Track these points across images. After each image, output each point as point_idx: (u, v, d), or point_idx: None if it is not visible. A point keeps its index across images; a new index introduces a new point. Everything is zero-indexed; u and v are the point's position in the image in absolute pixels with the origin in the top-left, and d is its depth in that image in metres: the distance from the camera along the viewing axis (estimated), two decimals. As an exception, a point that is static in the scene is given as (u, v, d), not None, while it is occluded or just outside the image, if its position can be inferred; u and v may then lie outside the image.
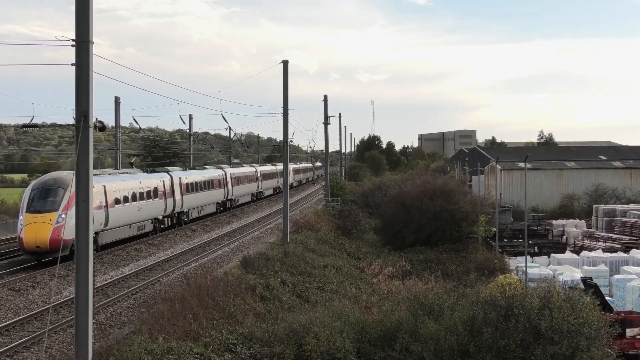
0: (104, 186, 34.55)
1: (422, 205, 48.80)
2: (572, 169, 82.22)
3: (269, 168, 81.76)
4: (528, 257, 34.76)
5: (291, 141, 73.13)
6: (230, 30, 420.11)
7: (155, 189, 42.32)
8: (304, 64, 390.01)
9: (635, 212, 59.01)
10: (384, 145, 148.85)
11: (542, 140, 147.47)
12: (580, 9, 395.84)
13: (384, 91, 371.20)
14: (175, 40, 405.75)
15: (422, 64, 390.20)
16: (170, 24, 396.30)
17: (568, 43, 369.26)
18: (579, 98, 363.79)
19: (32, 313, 22.15)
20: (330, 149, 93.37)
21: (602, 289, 28.40)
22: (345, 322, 19.90)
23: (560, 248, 49.90)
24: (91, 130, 14.31)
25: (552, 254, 44.77)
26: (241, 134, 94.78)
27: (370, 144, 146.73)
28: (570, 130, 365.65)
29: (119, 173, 40.43)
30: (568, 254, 45.07)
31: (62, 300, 23.98)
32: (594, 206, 66.81)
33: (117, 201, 36.06)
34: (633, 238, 53.50)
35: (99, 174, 36.18)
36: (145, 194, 40.29)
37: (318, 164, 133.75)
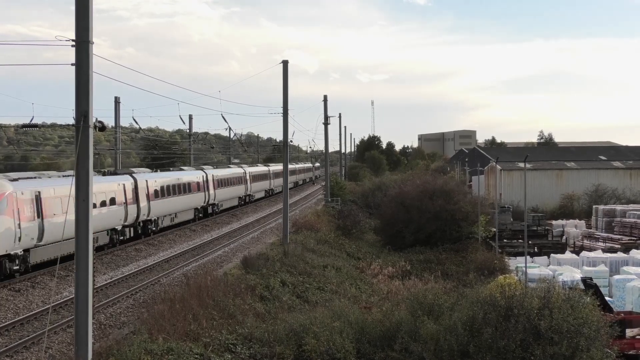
0: (38, 192, 28.68)
1: (422, 205, 48.79)
2: (572, 169, 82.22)
3: (259, 169, 76.14)
4: (528, 257, 34.71)
5: (291, 141, 72.11)
6: (230, 30, 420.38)
7: (114, 195, 36.28)
8: (304, 64, 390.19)
9: (635, 212, 58.99)
10: (384, 146, 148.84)
11: (542, 141, 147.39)
12: (580, 9, 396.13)
13: (384, 91, 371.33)
14: (175, 40, 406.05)
15: (422, 64, 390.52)
16: (170, 24, 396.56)
17: (568, 43, 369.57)
18: (579, 98, 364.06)
19: (31, 313, 22.17)
20: (330, 149, 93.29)
21: (601, 289, 28.36)
22: (345, 322, 19.90)
23: (560, 248, 49.85)
24: (91, 131, 14.32)
25: (552, 254, 44.74)
26: (241, 134, 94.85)
27: (370, 144, 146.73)
28: (570, 130, 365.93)
29: (63, 176, 32.67)
30: (568, 254, 45.04)
31: (61, 301, 24.00)
32: (594, 206, 66.78)
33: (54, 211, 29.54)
34: (633, 238, 53.47)
35: (34, 177, 31.15)
36: (99, 202, 33.59)
37: (317, 164, 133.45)
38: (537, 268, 37.35)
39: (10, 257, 26.69)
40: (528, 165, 58.01)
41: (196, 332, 18.61)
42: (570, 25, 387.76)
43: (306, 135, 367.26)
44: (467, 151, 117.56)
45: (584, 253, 45.07)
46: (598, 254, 44.07)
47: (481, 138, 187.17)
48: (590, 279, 28.87)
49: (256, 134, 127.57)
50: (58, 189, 29.84)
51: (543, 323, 16.79)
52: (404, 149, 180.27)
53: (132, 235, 39.27)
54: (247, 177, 67.59)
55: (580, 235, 56.99)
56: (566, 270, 36.78)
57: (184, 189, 47.70)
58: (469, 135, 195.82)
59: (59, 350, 18.61)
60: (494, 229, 47.43)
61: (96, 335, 18.95)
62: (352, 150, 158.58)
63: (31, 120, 40.22)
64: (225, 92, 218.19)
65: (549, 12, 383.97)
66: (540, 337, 16.75)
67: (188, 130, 67.60)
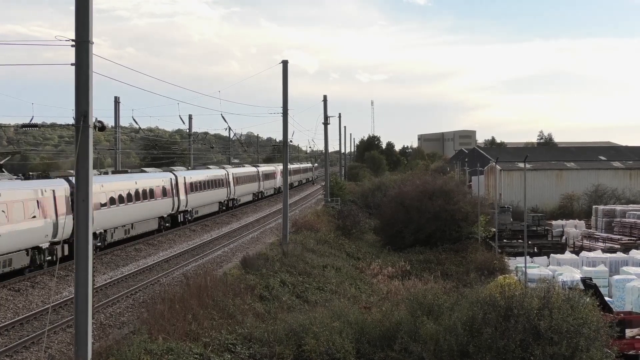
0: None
1: (422, 205, 48.79)
2: (571, 170, 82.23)
3: (246, 170, 70.27)
4: (527, 257, 34.71)
5: (291, 141, 71.49)
6: (230, 30, 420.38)
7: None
8: (304, 64, 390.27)
9: (634, 212, 59.01)
10: (384, 146, 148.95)
11: (541, 141, 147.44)
12: (580, 9, 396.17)
13: (383, 91, 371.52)
14: (175, 40, 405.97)
15: (422, 64, 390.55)
16: (170, 24, 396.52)
17: (568, 43, 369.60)
18: (578, 98, 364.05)
19: (31, 313, 22.16)
20: (330, 149, 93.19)
21: (601, 289, 28.35)
22: (345, 322, 19.91)
23: (560, 248, 49.86)
24: (91, 130, 14.32)
25: (552, 255, 44.76)
26: (241, 134, 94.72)
27: (370, 144, 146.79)
28: (570, 130, 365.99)
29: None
30: (567, 255, 45.06)
31: (61, 301, 24.00)
32: (594, 207, 66.80)
33: None
34: (632, 238, 53.48)
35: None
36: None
37: (315, 164, 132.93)
38: (537, 268, 37.36)
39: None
40: (528, 166, 57.98)
41: (196, 332, 18.61)
42: (570, 25, 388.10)
43: (306, 135, 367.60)
44: (466, 151, 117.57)
45: (584, 253, 45.09)
46: (598, 254, 44.08)
47: (481, 138, 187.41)
48: (590, 279, 28.86)
49: (256, 134, 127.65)
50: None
51: (543, 323, 16.80)
52: (404, 149, 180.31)
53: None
54: (230, 179, 59.85)
55: (580, 235, 57.02)
56: (566, 270, 36.80)
57: (143, 195, 39.77)
58: (469, 135, 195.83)
59: (59, 350, 18.60)
60: (494, 229, 47.43)
61: (96, 335, 18.96)
62: (352, 150, 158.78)
63: (31, 120, 40.27)
64: (225, 92, 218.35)
65: (549, 12, 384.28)
66: (540, 337, 16.75)
67: (188, 130, 67.60)
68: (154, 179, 42.94)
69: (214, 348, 17.73)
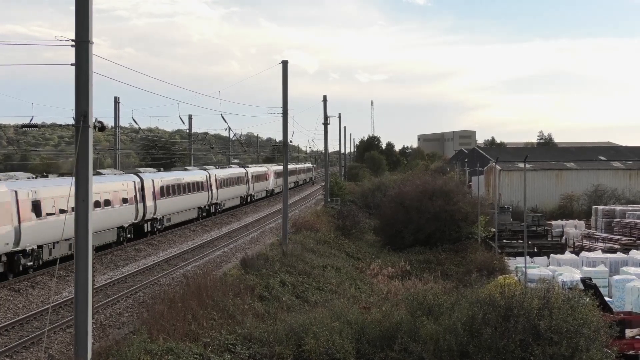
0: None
1: (422, 205, 48.80)
2: (571, 170, 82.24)
3: (232, 171, 63.53)
4: (527, 257, 34.71)
5: (291, 141, 71.29)
6: (230, 31, 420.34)
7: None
8: (304, 64, 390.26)
9: (634, 212, 59.00)
10: (384, 146, 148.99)
11: (541, 141, 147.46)
12: (580, 9, 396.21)
13: (383, 91, 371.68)
14: (174, 40, 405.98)
15: (422, 64, 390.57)
16: (170, 24, 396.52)
17: (568, 43, 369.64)
18: (578, 98, 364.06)
19: (31, 313, 22.17)
20: (330, 149, 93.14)
21: (601, 289, 28.34)
22: (345, 322, 19.91)
23: (560, 249, 49.85)
24: (91, 131, 14.32)
25: (552, 255, 44.75)
26: (241, 134, 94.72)
27: (369, 144, 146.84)
28: (570, 130, 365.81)
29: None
30: (567, 255, 45.05)
31: (61, 301, 24.00)
32: (594, 207, 66.80)
33: None
34: (632, 239, 53.46)
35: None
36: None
37: (310, 165, 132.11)
38: (537, 268, 37.35)
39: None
40: (528, 166, 57.93)
41: (196, 332, 18.62)
42: (570, 25, 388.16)
43: (306, 136, 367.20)
44: (466, 151, 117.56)
45: (584, 253, 45.08)
46: (597, 254, 44.08)
47: (481, 138, 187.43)
48: (590, 279, 28.85)
49: (256, 134, 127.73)
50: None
51: (543, 323, 16.80)
52: (404, 149, 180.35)
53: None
54: (212, 182, 53.56)
55: (579, 235, 57.01)
56: (566, 270, 36.80)
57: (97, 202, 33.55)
58: (469, 135, 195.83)
59: (59, 350, 18.61)
60: (494, 229, 47.42)
61: (96, 335, 18.96)
62: (352, 150, 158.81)
63: (31, 120, 40.26)
64: (225, 92, 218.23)
65: (549, 12, 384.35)
66: (539, 338, 16.75)
67: (188, 131, 67.61)
68: (112, 182, 36.96)
69: (213, 348, 17.74)
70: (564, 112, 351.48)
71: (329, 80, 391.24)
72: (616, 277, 36.03)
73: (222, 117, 61.89)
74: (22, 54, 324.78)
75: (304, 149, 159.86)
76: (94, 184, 37.67)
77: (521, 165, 52.70)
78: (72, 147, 15.79)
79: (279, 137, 61.84)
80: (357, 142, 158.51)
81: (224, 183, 57.39)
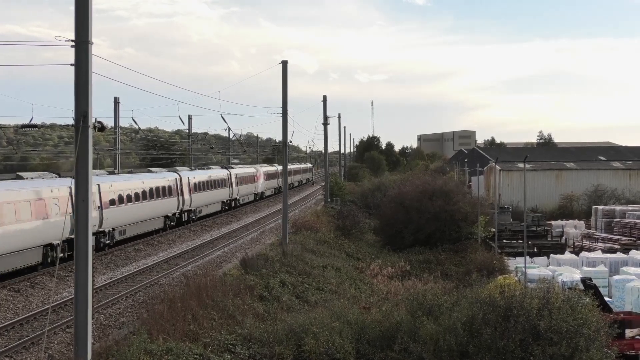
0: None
1: (422, 205, 48.82)
2: (571, 170, 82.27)
3: (212, 173, 56.88)
4: (527, 257, 34.74)
5: (290, 141, 71.04)
6: (230, 31, 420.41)
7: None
8: (304, 64, 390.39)
9: (634, 212, 59.03)
10: (384, 146, 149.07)
11: (541, 141, 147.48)
12: (580, 9, 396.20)
13: (383, 91, 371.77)
14: (174, 40, 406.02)
15: (421, 64, 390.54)
16: (170, 24, 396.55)
17: (568, 43, 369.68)
18: (578, 98, 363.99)
19: (31, 313, 22.16)
20: (330, 149, 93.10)
21: (601, 289, 28.37)
22: (345, 322, 19.91)
23: (560, 249, 49.89)
24: (90, 131, 14.31)
25: (552, 255, 44.79)
26: (240, 134, 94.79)
27: (369, 145, 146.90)
28: (570, 130, 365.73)
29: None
30: (567, 255, 45.09)
31: (61, 301, 23.99)
32: (593, 207, 66.84)
33: None
34: (632, 239, 53.50)
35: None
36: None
37: (309, 165, 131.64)
38: (537, 268, 37.38)
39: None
40: (527, 166, 57.94)
41: (196, 332, 18.62)
42: (570, 25, 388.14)
43: (306, 136, 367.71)
44: (466, 151, 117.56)
45: (584, 253, 45.11)
46: (597, 254, 44.11)
47: (480, 138, 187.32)
48: (590, 279, 28.87)
49: (255, 134, 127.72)
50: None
51: (542, 323, 16.80)
52: (404, 149, 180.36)
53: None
54: (184, 186, 47.61)
55: (579, 235, 57.04)
56: (566, 270, 36.82)
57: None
58: (469, 135, 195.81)
59: (59, 350, 18.61)
60: (494, 230, 47.44)
61: (96, 335, 18.96)
62: (352, 150, 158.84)
63: (30, 121, 40.34)
64: (224, 93, 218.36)
65: (549, 12, 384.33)
66: (539, 338, 16.76)
67: (187, 131, 67.63)
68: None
69: (213, 348, 17.74)
70: (564, 112, 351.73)
71: (329, 80, 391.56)
72: (616, 277, 36.05)
73: (222, 117, 62.04)
74: (22, 54, 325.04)
75: (303, 149, 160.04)
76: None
77: (521, 165, 52.71)
78: (72, 147, 15.78)
79: (278, 137, 61.83)
80: (357, 142, 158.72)
81: (200, 187, 51.17)
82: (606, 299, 27.85)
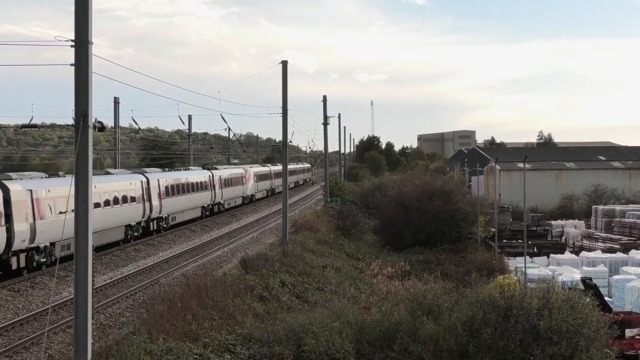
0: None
1: (422, 205, 48.82)
2: (571, 170, 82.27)
3: (187, 175, 50.31)
4: (527, 257, 34.75)
5: (290, 141, 70.96)
6: (230, 31, 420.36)
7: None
8: (303, 64, 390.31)
9: (634, 212, 59.06)
10: (384, 146, 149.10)
11: (541, 141, 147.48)
12: (580, 9, 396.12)
13: (383, 91, 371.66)
14: (174, 40, 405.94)
15: (421, 64, 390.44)
16: (169, 24, 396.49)
17: (568, 43, 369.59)
18: (578, 98, 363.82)
19: (31, 314, 22.16)
20: (330, 149, 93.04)
21: (601, 289, 28.38)
22: (345, 322, 19.91)
23: (560, 248, 49.90)
24: (90, 131, 14.31)
25: (552, 255, 44.79)
26: (240, 134, 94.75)
27: (369, 145, 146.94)
28: (570, 130, 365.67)
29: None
30: (567, 255, 45.09)
31: (61, 301, 23.99)
32: (593, 207, 66.85)
33: None
34: (632, 238, 53.51)
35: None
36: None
37: (307, 165, 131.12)
38: (537, 268, 37.38)
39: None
40: (527, 166, 57.95)
41: (196, 332, 18.62)
42: (570, 25, 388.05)
43: (306, 136, 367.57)
44: (466, 151, 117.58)
45: (584, 253, 45.12)
46: (597, 254, 44.11)
47: (480, 138, 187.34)
48: (590, 279, 28.88)
49: (255, 134, 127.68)
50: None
51: (542, 323, 16.81)
52: (404, 149, 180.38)
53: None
54: (151, 191, 41.27)
55: (579, 235, 57.04)
56: (565, 270, 36.82)
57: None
58: (469, 135, 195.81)
59: (59, 350, 18.61)
60: (494, 229, 47.45)
61: (96, 335, 18.96)
62: (352, 150, 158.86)
63: (30, 121, 40.31)
64: (224, 93, 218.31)
65: (549, 12, 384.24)
66: (539, 338, 16.76)
67: (187, 131, 67.65)
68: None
69: (213, 348, 17.74)
70: (564, 112, 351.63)
71: (329, 80, 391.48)
72: (616, 277, 36.06)
73: (222, 117, 62.04)
74: (22, 54, 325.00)
75: (303, 149, 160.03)
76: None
77: (521, 165, 52.72)
78: (72, 147, 15.77)
79: (278, 137, 61.85)
80: (356, 142, 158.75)
81: (173, 190, 45.03)
82: (606, 298, 27.85)
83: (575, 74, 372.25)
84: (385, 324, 19.78)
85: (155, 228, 42.63)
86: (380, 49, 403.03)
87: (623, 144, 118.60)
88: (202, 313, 20.40)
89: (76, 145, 14.20)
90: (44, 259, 29.31)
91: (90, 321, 14.48)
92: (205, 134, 79.90)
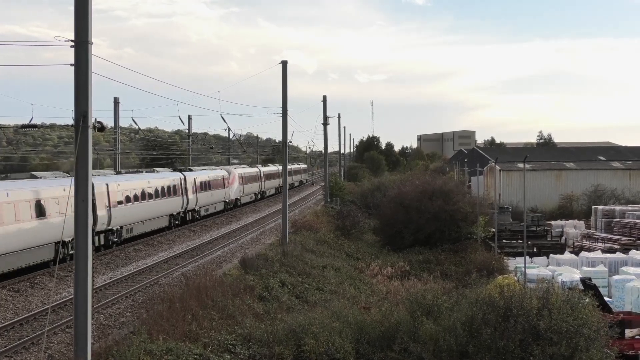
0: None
1: (421, 205, 48.81)
2: (571, 170, 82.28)
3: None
4: (527, 257, 34.75)
5: (290, 142, 70.77)
6: (229, 31, 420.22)
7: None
8: (303, 64, 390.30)
9: (634, 212, 59.04)
10: (383, 146, 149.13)
11: (541, 141, 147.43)
12: (580, 9, 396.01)
13: (383, 91, 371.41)
14: (174, 40, 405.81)
15: (421, 64, 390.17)
16: (169, 24, 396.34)
17: (568, 43, 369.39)
18: (578, 98, 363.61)
19: (31, 314, 22.16)
20: (330, 149, 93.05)
21: (601, 289, 28.38)
22: (344, 322, 19.92)
23: (559, 249, 49.89)
24: (90, 131, 14.31)
25: (551, 255, 44.79)
26: (240, 135, 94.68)
27: (369, 145, 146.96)
28: (569, 130, 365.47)
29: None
30: (567, 255, 45.08)
31: (61, 301, 23.99)
32: (593, 207, 66.84)
33: None
34: (632, 239, 53.50)
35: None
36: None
37: (304, 165, 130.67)
38: (536, 268, 37.38)
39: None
40: (527, 166, 57.96)
41: (195, 332, 18.62)
42: (570, 25, 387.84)
43: (305, 136, 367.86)
44: (466, 151, 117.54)
45: (583, 253, 45.11)
46: (597, 254, 44.11)
47: (480, 138, 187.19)
48: (590, 279, 28.88)
49: (255, 135, 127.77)
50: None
51: (542, 323, 16.81)
52: (403, 149, 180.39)
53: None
54: (97, 199, 33.34)
55: (579, 235, 57.04)
56: (565, 270, 36.82)
57: None
58: (468, 135, 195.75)
59: (58, 350, 18.61)
60: (493, 230, 47.44)
61: (95, 335, 18.96)
62: (352, 150, 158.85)
63: (30, 121, 40.32)
64: (224, 93, 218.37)
65: (549, 12, 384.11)
66: (539, 338, 16.77)
67: (187, 131, 67.66)
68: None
69: (213, 348, 17.74)
70: (564, 112, 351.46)
71: (328, 81, 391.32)
72: (616, 277, 36.06)
73: (222, 118, 62.06)
74: (22, 54, 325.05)
75: (303, 149, 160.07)
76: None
77: (521, 165, 52.73)
78: (72, 147, 15.78)
79: (278, 137, 61.93)
80: (356, 142, 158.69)
81: (131, 198, 38.48)
82: (606, 299, 27.85)
83: (575, 74, 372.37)
84: (385, 324, 19.79)
85: (103, 243, 34.94)
86: (380, 49, 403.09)
87: (623, 144, 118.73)
88: (202, 313, 20.40)
89: (76, 146, 14.20)
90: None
91: (90, 321, 14.48)
92: (205, 134, 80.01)
